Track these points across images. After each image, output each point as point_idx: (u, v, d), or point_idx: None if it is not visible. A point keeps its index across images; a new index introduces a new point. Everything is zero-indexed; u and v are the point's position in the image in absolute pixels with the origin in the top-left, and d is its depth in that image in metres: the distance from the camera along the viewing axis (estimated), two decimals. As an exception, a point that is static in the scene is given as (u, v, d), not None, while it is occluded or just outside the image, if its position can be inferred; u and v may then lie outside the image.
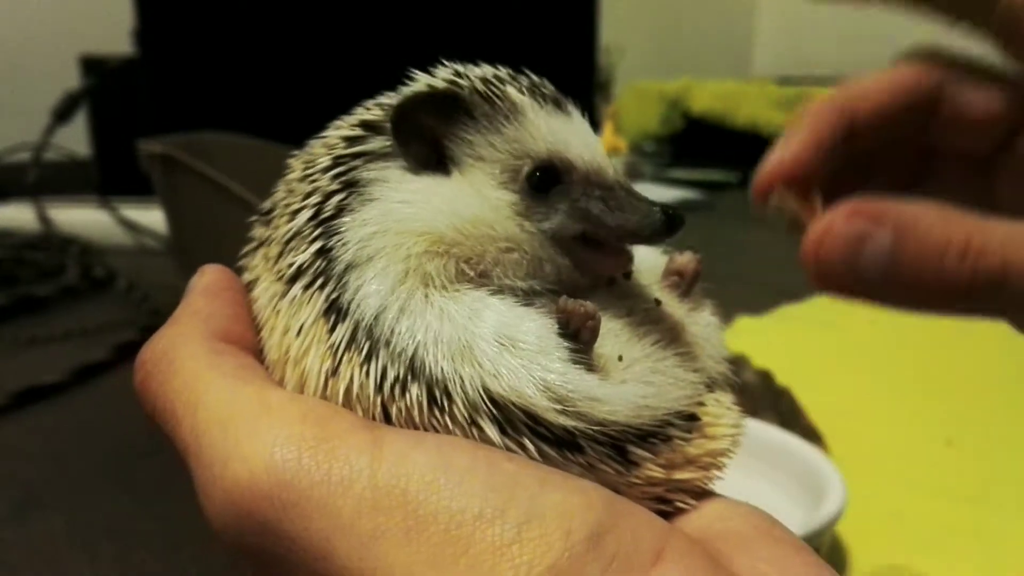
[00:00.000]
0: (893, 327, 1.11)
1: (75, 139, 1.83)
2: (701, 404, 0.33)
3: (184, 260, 1.14)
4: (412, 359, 0.29)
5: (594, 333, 0.30)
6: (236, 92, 1.59)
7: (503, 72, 0.34)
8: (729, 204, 2.15)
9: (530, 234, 0.32)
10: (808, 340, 1.15)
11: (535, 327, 0.30)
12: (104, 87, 1.76)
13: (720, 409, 0.34)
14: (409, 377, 0.29)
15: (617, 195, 0.33)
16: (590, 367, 0.30)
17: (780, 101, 2.46)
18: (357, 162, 0.33)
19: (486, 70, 0.34)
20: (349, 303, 0.30)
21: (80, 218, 1.69)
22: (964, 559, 0.65)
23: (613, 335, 0.32)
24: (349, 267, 0.31)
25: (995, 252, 0.28)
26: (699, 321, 0.35)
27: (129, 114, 1.66)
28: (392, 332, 0.30)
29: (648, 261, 0.36)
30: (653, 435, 0.31)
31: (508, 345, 0.30)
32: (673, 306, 0.35)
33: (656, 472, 0.31)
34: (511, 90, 0.33)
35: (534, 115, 0.33)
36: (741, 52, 3.32)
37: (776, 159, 0.34)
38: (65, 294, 1.38)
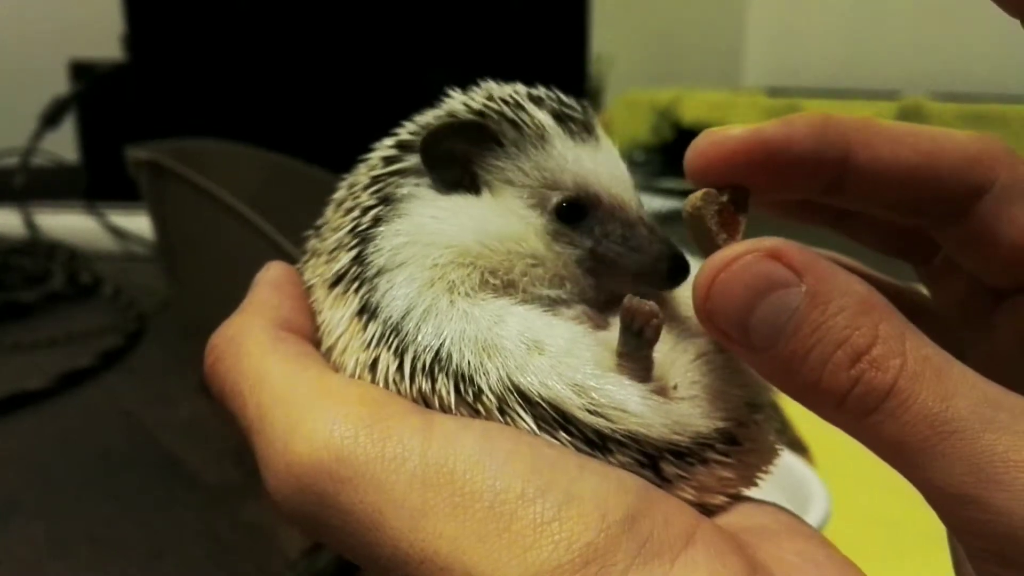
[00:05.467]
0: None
1: (63, 144, 1.82)
2: (742, 425, 0.33)
3: (171, 267, 1.14)
4: (438, 353, 0.31)
5: (657, 331, 0.31)
6: (225, 99, 1.58)
7: (533, 93, 0.35)
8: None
9: (556, 254, 0.34)
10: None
11: (563, 332, 0.31)
12: (93, 92, 1.75)
13: (760, 433, 0.34)
14: (436, 369, 0.30)
15: (638, 233, 0.34)
16: (644, 372, 0.31)
17: (770, 111, 2.47)
18: (393, 179, 0.35)
19: (518, 91, 0.35)
20: (378, 304, 0.32)
21: (67, 224, 1.68)
22: (948, 568, 0.65)
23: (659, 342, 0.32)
24: (380, 271, 0.33)
25: (888, 370, 0.24)
26: None
27: (118, 120, 1.65)
28: (418, 331, 0.31)
29: (695, 272, 0.36)
30: (690, 454, 0.31)
31: (534, 348, 0.31)
32: None
33: (687, 494, 0.31)
34: (540, 115, 0.34)
35: (562, 144, 0.34)
36: (732, 62, 3.33)
37: (728, 132, 0.30)
38: (50, 300, 1.38)
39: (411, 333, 0.31)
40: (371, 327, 0.32)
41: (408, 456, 0.27)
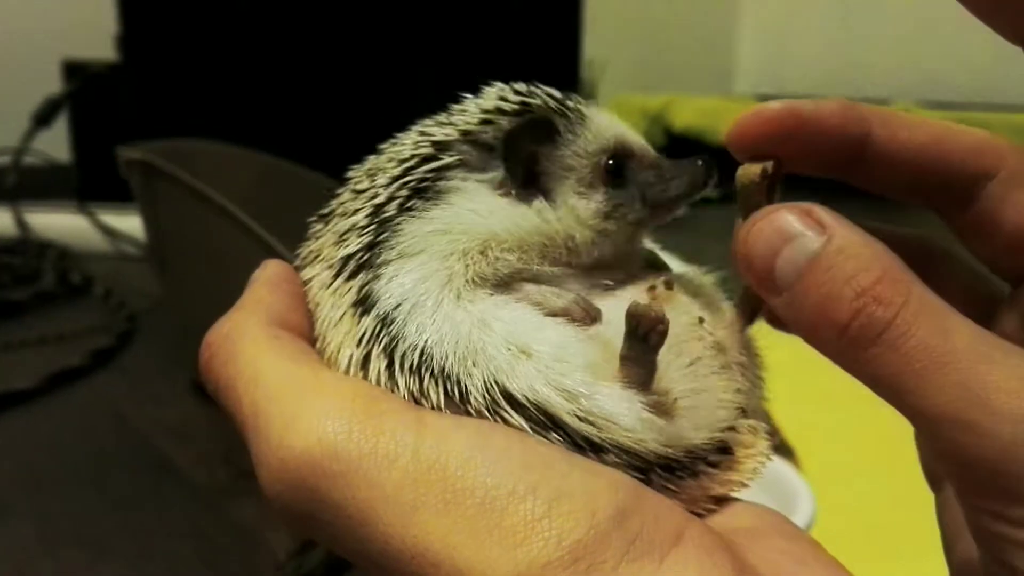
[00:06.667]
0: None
1: (55, 144, 1.82)
2: (733, 429, 0.33)
3: (162, 267, 1.14)
4: (422, 353, 0.31)
5: (662, 337, 0.31)
6: (217, 100, 1.58)
7: (542, 87, 0.36)
8: (711, 219, 2.15)
9: (611, 231, 0.35)
10: (782, 355, 1.16)
11: (553, 335, 0.31)
12: (85, 92, 1.75)
13: (752, 438, 0.34)
14: (423, 368, 0.31)
15: (666, 169, 0.36)
16: (647, 376, 0.31)
17: (761, 118, 2.47)
18: (431, 174, 0.34)
19: (532, 88, 0.36)
20: (375, 294, 0.32)
21: (58, 223, 1.68)
22: (932, 570, 0.66)
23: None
24: (388, 260, 0.33)
25: (890, 304, 0.26)
26: (742, 344, 0.35)
27: (110, 120, 1.65)
28: (405, 326, 0.31)
29: (689, 276, 0.37)
30: (681, 468, 0.31)
31: (521, 353, 0.31)
32: (715, 325, 0.35)
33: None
34: (566, 100, 0.36)
35: (594, 115, 0.36)
36: (723, 69, 3.34)
37: (768, 105, 0.33)
38: (41, 299, 1.37)
39: (399, 329, 0.31)
40: (364, 321, 0.32)
41: (401, 452, 0.27)
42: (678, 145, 2.63)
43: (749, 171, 0.33)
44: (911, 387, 0.26)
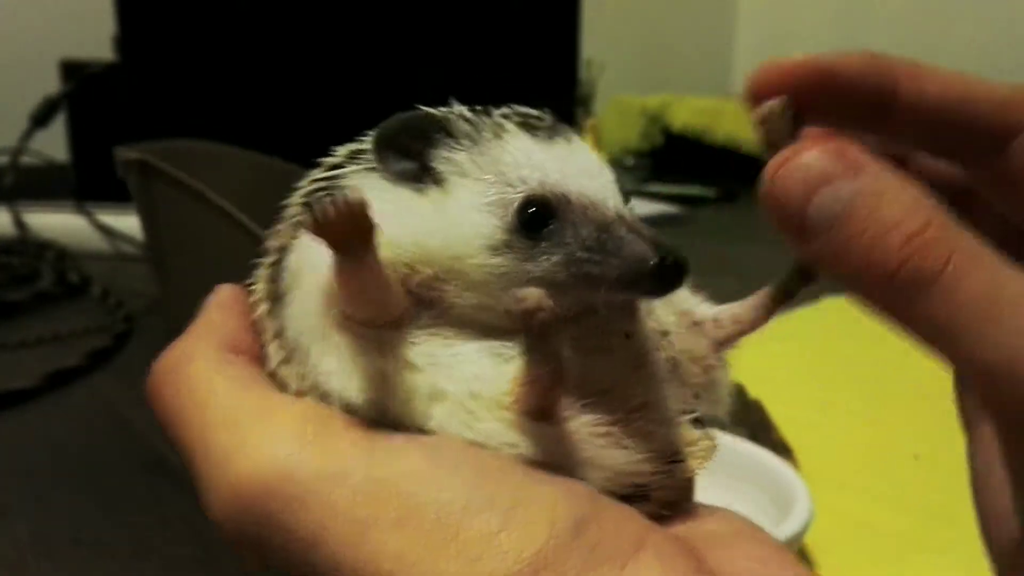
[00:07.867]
0: (863, 341, 1.12)
1: (53, 144, 1.82)
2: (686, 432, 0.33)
3: (160, 267, 1.13)
4: (330, 396, 0.30)
5: (543, 326, 0.27)
6: (215, 100, 1.58)
7: (501, 108, 0.33)
8: (707, 219, 2.17)
9: (506, 269, 0.30)
10: (779, 354, 1.16)
11: (467, 369, 0.30)
12: (84, 92, 1.75)
13: (693, 433, 0.33)
14: (346, 402, 0.30)
15: (615, 235, 0.29)
16: (551, 378, 0.29)
17: (760, 118, 2.47)
18: (334, 181, 0.33)
19: (483, 107, 0.33)
20: (282, 334, 0.32)
21: (56, 223, 1.67)
22: (928, 572, 0.66)
23: (598, 369, 0.31)
24: (281, 295, 0.32)
25: (941, 251, 0.25)
26: (703, 354, 0.34)
27: (108, 120, 1.65)
28: (309, 365, 0.31)
29: None
30: (629, 498, 0.30)
31: (428, 398, 0.30)
32: (680, 337, 0.34)
33: None
34: (499, 117, 0.32)
35: (524, 142, 0.31)
36: (721, 69, 3.35)
37: (787, 57, 0.31)
38: (39, 299, 1.37)
39: (305, 367, 0.31)
40: (281, 351, 0.32)
41: (352, 471, 0.27)
42: (676, 144, 2.64)
43: (770, 103, 0.31)
44: (964, 338, 0.25)
